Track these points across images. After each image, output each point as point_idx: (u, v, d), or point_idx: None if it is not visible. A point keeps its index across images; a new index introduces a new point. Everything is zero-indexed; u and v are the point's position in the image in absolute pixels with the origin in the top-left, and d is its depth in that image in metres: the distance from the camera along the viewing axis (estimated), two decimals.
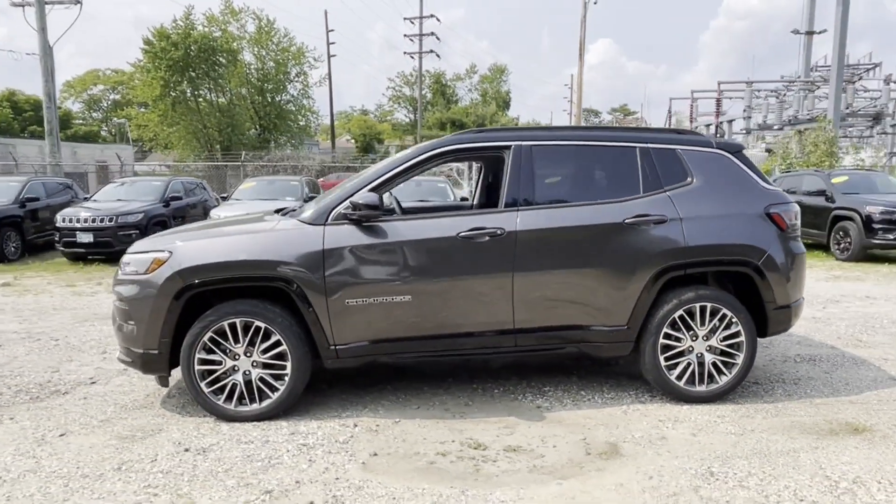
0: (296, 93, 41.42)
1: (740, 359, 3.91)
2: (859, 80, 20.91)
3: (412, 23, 49.25)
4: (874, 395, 4.15)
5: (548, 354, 4.10)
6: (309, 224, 3.77)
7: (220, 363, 3.71)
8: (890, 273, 9.56)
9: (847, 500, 2.81)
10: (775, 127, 20.68)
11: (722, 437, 3.51)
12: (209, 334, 3.67)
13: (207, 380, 3.72)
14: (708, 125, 22.47)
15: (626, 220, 3.82)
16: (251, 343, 3.70)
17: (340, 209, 3.76)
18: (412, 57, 51.17)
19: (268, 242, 3.73)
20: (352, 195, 3.79)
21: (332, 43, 43.24)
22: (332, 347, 3.75)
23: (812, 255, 9.75)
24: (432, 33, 49.78)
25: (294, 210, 4.34)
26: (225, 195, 13.95)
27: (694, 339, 3.90)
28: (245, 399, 3.73)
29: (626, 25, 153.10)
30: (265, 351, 3.70)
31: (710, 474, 3.07)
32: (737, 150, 4.12)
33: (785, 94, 21.55)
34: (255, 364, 3.72)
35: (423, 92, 53.94)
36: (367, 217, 3.68)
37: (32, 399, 4.23)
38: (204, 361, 3.70)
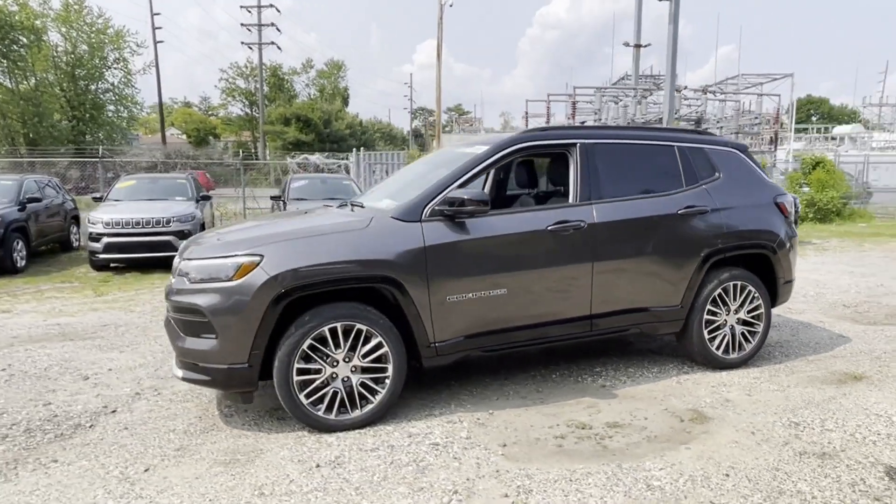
0: (116, 81, 37.40)
1: (761, 328, 4.59)
2: (683, 89, 24.29)
3: (249, 11, 46.83)
4: (843, 349, 5.09)
5: (612, 336, 4.42)
6: (405, 221, 3.69)
7: (318, 371, 3.50)
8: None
9: None
10: None
11: (771, 394, 4.11)
12: (308, 341, 3.44)
13: (306, 390, 3.48)
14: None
15: (679, 211, 4.27)
16: (351, 348, 3.53)
17: (435, 206, 3.73)
18: (250, 48, 48.69)
19: (372, 241, 3.59)
20: (442, 192, 3.77)
21: (159, 28, 39.61)
22: (433, 345, 3.72)
23: None
24: (272, 24, 47.79)
25: (352, 204, 4.22)
26: (98, 196, 12.29)
27: (727, 313, 4.48)
28: (346, 407, 3.56)
29: (454, 29, 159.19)
30: (366, 355, 3.57)
31: (795, 424, 3.62)
32: (744, 149, 4.79)
33: (621, 99, 24.38)
34: (354, 369, 3.56)
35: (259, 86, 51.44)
36: (470, 213, 3.69)
37: (58, 437, 3.60)
38: (301, 371, 3.46)
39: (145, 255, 9.88)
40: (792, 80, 32.91)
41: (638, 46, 27.59)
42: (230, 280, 3.38)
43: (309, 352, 3.46)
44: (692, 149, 4.52)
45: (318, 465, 3.16)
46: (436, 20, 27.48)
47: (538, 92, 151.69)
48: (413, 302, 3.60)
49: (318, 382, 3.50)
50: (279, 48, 48.65)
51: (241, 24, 46.55)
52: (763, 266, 4.61)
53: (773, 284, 4.65)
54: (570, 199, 4.12)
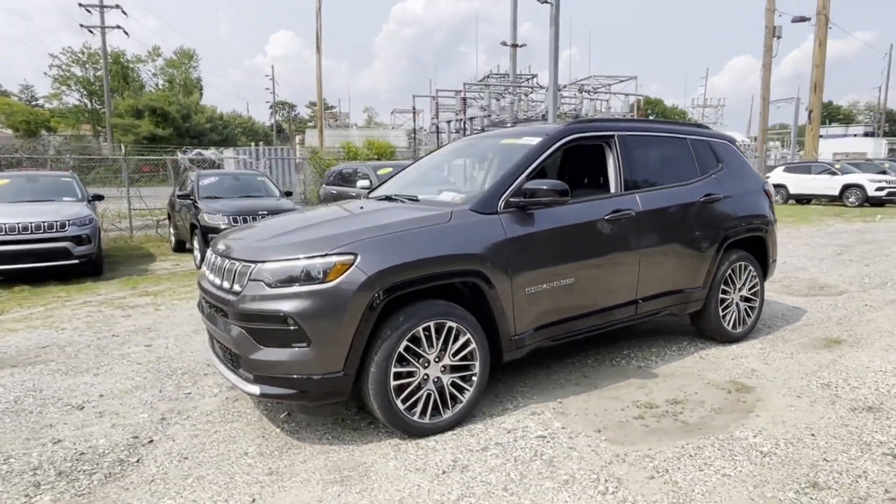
0: None
1: (758, 303, 5.08)
2: (563, 88, 25.85)
3: None
4: (808, 319, 5.77)
5: (650, 319, 4.63)
6: (484, 214, 3.60)
7: (411, 374, 3.32)
8: None
9: None
10: (508, 125, 24.26)
11: (784, 361, 4.57)
12: (404, 343, 3.26)
13: (402, 395, 3.30)
14: (448, 121, 25.16)
15: (701, 199, 4.60)
16: (443, 347, 3.40)
17: (509, 197, 3.68)
18: (91, 31, 43.70)
19: (460, 235, 3.45)
20: (514, 183, 3.73)
21: None
22: (513, 338, 3.68)
23: None
24: (117, 5, 43.28)
25: (397, 198, 4.05)
26: None
27: (734, 291, 4.91)
28: (438, 409, 3.42)
29: (309, 22, 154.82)
30: (455, 353, 3.45)
31: (826, 385, 4.08)
32: (734, 142, 5.26)
33: (504, 96, 25.43)
34: (444, 369, 3.43)
35: (101, 73, 46.40)
36: (548, 203, 3.69)
37: (109, 477, 3.07)
38: (396, 375, 3.27)
39: (35, 266, 8.61)
40: (636, 81, 36.34)
41: (514, 46, 28.82)
42: (323, 282, 3.09)
43: (404, 354, 3.27)
44: (700, 141, 4.88)
45: (443, 472, 3.01)
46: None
47: (397, 88, 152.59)
48: (498, 295, 3.54)
49: (413, 386, 3.32)
50: (126, 33, 44.04)
51: (80, 5, 41.59)
52: (757, 246, 5.11)
53: (765, 263, 5.16)
54: (613, 189, 4.27)
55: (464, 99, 24.72)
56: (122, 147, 16.02)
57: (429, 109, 36.20)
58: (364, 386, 3.23)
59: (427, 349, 3.34)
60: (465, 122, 24.65)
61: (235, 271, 3.31)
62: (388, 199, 4.27)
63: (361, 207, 3.98)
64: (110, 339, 5.63)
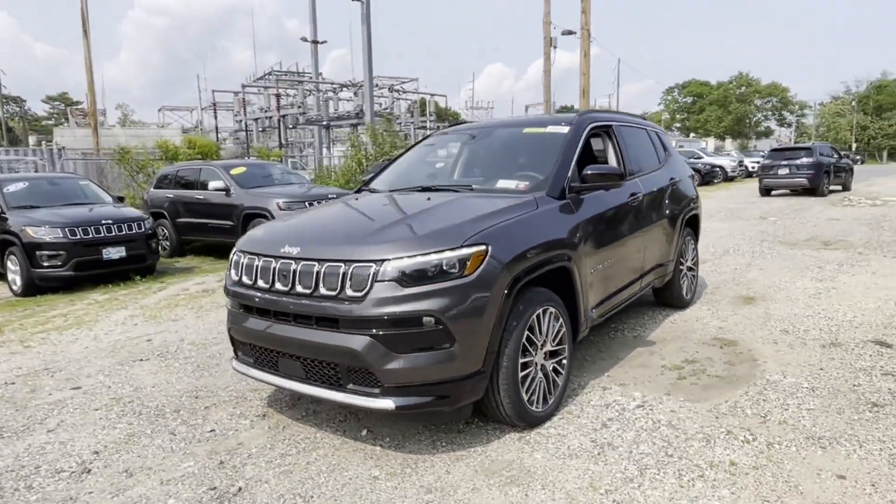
0: None
1: (697, 271, 5.90)
2: (376, 87, 25.96)
3: None
4: (716, 281, 6.81)
5: (645, 293, 5.06)
6: (558, 199, 3.65)
7: (528, 364, 3.28)
8: None
9: (824, 309, 5.14)
10: (323, 123, 23.49)
11: (735, 318, 5.40)
12: (526, 332, 3.20)
13: (524, 387, 3.23)
14: (256, 119, 23.48)
15: (669, 182, 5.19)
16: (545, 333, 3.41)
17: (570, 182, 3.79)
18: None
19: (552, 222, 3.46)
20: (569, 169, 3.84)
21: None
22: (584, 318, 3.81)
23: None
24: None
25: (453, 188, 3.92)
26: None
27: (685, 262, 5.65)
28: (546, 395, 3.42)
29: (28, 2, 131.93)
30: (554, 338, 3.48)
31: (786, 332, 4.93)
32: (664, 133, 6.00)
33: (318, 93, 24.68)
34: (546, 355, 3.44)
35: None
36: (608, 186, 3.86)
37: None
38: (522, 366, 3.20)
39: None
40: (417, 82, 38.29)
41: (315, 42, 28.21)
42: (462, 276, 2.89)
43: (525, 343, 3.21)
44: (655, 132, 5.49)
45: (599, 452, 3.04)
46: None
47: (153, 83, 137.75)
48: (578, 278, 3.64)
49: (531, 373, 3.27)
50: None
51: None
52: (695, 223, 5.92)
53: (698, 235, 6.01)
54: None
55: (277, 95, 23.49)
56: None
57: (199, 106, 33.59)
58: (493, 382, 3.09)
59: (537, 337, 3.30)
60: (279, 120, 23.45)
61: (345, 273, 2.90)
62: (427, 189, 4.06)
63: (428, 199, 3.72)
64: (7, 387, 4.41)
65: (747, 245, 9.42)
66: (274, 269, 3.17)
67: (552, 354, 3.47)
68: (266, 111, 25.46)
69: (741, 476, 2.76)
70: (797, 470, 2.79)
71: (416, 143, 5.12)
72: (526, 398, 3.21)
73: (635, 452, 3.03)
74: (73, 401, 4.10)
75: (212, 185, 10.69)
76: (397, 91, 27.16)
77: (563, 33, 31.33)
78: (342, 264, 2.93)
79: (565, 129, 4.19)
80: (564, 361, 3.56)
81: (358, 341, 2.86)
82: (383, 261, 2.87)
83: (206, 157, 15.32)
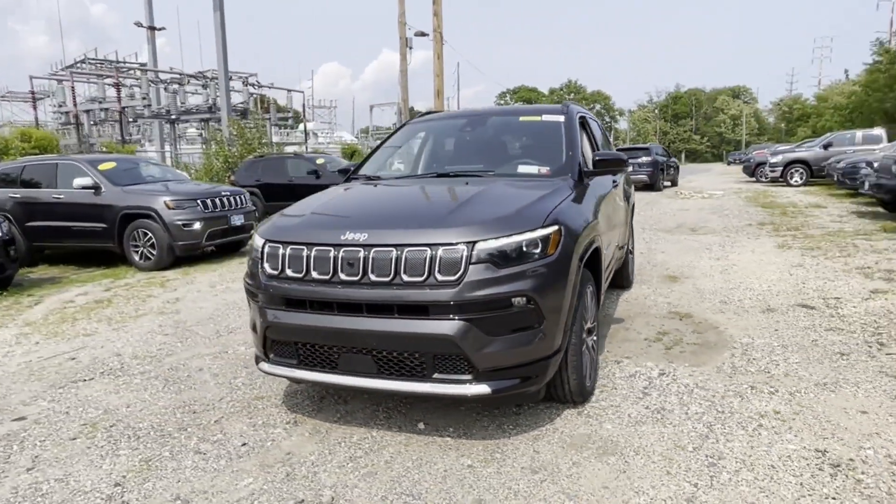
0: None
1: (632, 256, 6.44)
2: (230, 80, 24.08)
3: None
4: (641, 264, 7.44)
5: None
6: (581, 183, 3.79)
7: (583, 340, 3.40)
8: None
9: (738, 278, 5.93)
10: (171, 116, 21.15)
11: (674, 295, 5.99)
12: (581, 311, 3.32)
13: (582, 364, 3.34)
14: (88, 110, 20.48)
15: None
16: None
17: (583, 167, 3.95)
18: None
19: (586, 203, 3.60)
20: (579, 154, 4.01)
21: None
22: (603, 297, 4.01)
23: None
24: None
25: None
26: None
27: (633, 245, 6.13)
28: (592, 371, 3.56)
29: None
30: (591, 316, 3.63)
31: (725, 303, 5.58)
32: None
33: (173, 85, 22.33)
34: (587, 333, 3.57)
35: None
36: (615, 171, 4.08)
37: None
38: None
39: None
40: (257, 78, 36.87)
41: (153, 29, 25.81)
42: (546, 255, 2.91)
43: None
44: (602, 127, 5.89)
45: (659, 418, 3.23)
46: None
47: None
48: (603, 257, 3.83)
49: (584, 353, 3.38)
50: None
51: None
52: (633, 209, 6.43)
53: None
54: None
55: (117, 86, 20.95)
56: None
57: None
58: (564, 359, 3.15)
59: (586, 315, 3.43)
60: (121, 112, 20.90)
61: (433, 258, 2.78)
62: (442, 175, 3.98)
63: (466, 184, 3.64)
64: None
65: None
66: (335, 258, 2.92)
67: (590, 332, 3.61)
68: (101, 102, 22.42)
69: (790, 421, 3.12)
70: (828, 411, 3.22)
71: (393, 134, 4.96)
72: (585, 375, 3.32)
73: (691, 413, 3.28)
74: (32, 433, 3.42)
75: (76, 182, 9.32)
76: (252, 85, 25.69)
77: (417, 34, 31.90)
78: (427, 248, 2.80)
79: (561, 118, 4.35)
80: (596, 338, 3.72)
81: (451, 327, 2.75)
82: (473, 243, 2.79)
83: (43, 151, 13.27)
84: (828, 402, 3.34)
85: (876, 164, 11.65)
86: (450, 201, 3.33)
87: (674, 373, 3.87)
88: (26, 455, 3.15)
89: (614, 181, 4.80)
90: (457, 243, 2.79)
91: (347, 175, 4.50)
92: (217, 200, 9.44)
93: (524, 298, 2.80)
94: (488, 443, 3.04)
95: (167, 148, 24.54)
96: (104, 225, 9.24)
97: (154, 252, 8.92)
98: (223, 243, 9.72)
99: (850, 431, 2.99)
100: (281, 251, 3.09)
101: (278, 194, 14.75)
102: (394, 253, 2.83)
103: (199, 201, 9.17)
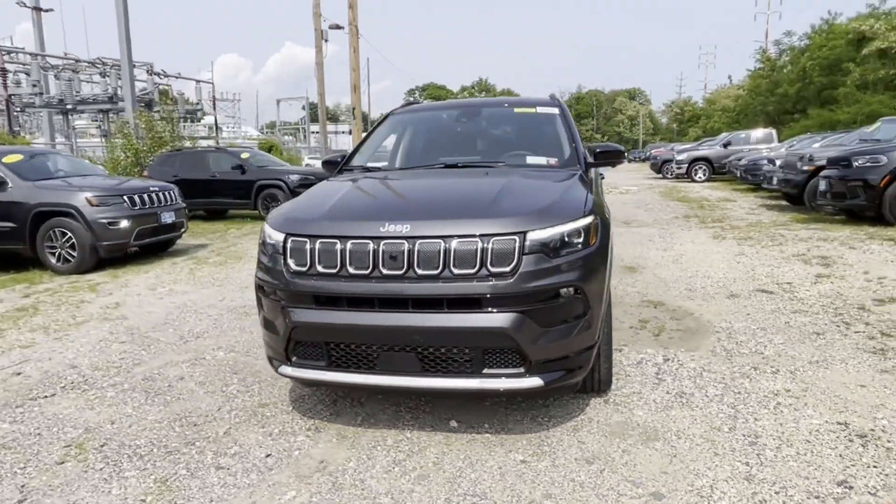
0: None
1: None
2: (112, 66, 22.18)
3: None
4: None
5: None
6: (585, 173, 3.80)
7: None
8: None
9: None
10: (67, 106, 19.03)
11: (639, 284, 6.21)
12: None
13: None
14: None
15: None
16: None
17: (586, 158, 3.98)
18: None
19: (599, 195, 3.61)
20: (581, 148, 4.04)
21: None
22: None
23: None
24: None
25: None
26: None
27: None
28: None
29: None
30: None
31: (691, 290, 5.85)
32: None
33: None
34: None
35: None
36: (614, 163, 4.13)
37: None
38: None
39: None
40: (155, 67, 34.84)
41: (39, 10, 23.61)
42: (589, 245, 2.90)
43: None
44: None
45: (684, 402, 3.32)
46: None
47: None
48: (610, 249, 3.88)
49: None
50: None
51: None
52: None
53: None
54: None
55: (2, 71, 18.80)
56: None
57: None
58: (598, 349, 3.15)
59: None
60: (7, 101, 18.74)
61: (485, 249, 2.68)
62: (450, 167, 3.86)
63: (487, 174, 3.53)
64: None
65: None
66: (374, 251, 2.76)
67: None
68: None
69: (803, 398, 3.31)
70: (831, 387, 3.44)
71: (377, 125, 4.76)
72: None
73: (710, 396, 3.39)
74: (4, 459, 2.98)
75: None
76: (157, 74, 23.93)
77: (332, 27, 31.17)
78: (478, 240, 2.70)
79: (555, 110, 4.37)
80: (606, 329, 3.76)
81: (505, 319, 2.67)
82: (524, 233, 2.73)
83: None
84: (826, 378, 3.57)
85: (780, 162, 12.71)
86: (485, 192, 3.23)
87: (676, 358, 3.99)
88: (9, 486, 2.74)
89: (601, 173, 4.88)
90: (509, 234, 2.71)
91: (339, 166, 4.27)
92: (146, 196, 8.73)
93: (572, 289, 2.77)
94: (531, 436, 2.99)
95: (60, 140, 22.44)
96: (12, 224, 8.29)
97: (74, 254, 8.10)
98: (153, 243, 9.03)
99: (859, 404, 3.20)
100: (308, 246, 2.87)
101: (199, 191, 13.91)
102: (441, 245, 2.71)
103: (125, 197, 8.43)
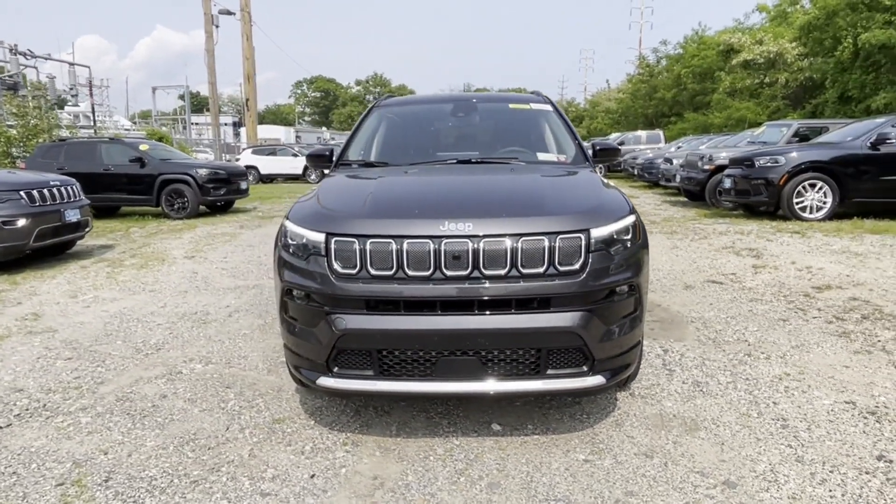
0: None
1: None
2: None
3: None
4: None
5: None
6: (591, 168, 3.84)
7: None
8: None
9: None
10: None
11: None
12: None
13: None
14: None
15: None
16: None
17: (589, 155, 4.03)
18: None
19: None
20: (587, 146, 4.08)
21: None
22: None
23: None
24: None
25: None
26: None
27: None
28: None
29: None
30: None
31: (650, 281, 6.13)
32: None
33: None
34: None
35: None
36: (612, 160, 4.19)
37: None
38: None
39: None
40: (16, 46, 31.35)
41: None
42: (637, 242, 2.92)
43: None
44: None
45: (702, 390, 3.46)
46: None
47: None
48: None
49: None
50: None
51: None
52: None
53: None
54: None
55: None
56: None
57: None
58: None
59: None
60: None
61: (552, 248, 2.61)
62: (463, 162, 3.73)
63: (512, 171, 3.43)
64: None
65: None
66: (435, 251, 2.60)
67: None
68: None
69: (805, 380, 3.56)
70: (822, 369, 3.73)
71: (364, 118, 4.48)
72: None
73: (723, 383, 3.55)
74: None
75: None
76: (24, 55, 21.15)
77: (222, 12, 29.48)
78: (545, 238, 2.63)
79: (548, 107, 4.38)
80: None
81: (572, 318, 2.63)
82: (588, 231, 2.69)
83: None
84: (814, 361, 3.87)
85: (681, 161, 13.70)
86: (529, 189, 3.14)
87: (673, 349, 4.15)
88: None
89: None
90: (575, 231, 2.67)
91: (336, 161, 3.99)
92: (46, 192, 7.75)
93: (628, 285, 2.79)
94: (580, 434, 2.97)
95: None
96: None
97: None
98: (55, 244, 8.03)
99: (853, 383, 3.50)
100: (357, 246, 2.65)
101: (90, 186, 12.53)
102: (508, 243, 2.61)
103: (23, 193, 7.43)
